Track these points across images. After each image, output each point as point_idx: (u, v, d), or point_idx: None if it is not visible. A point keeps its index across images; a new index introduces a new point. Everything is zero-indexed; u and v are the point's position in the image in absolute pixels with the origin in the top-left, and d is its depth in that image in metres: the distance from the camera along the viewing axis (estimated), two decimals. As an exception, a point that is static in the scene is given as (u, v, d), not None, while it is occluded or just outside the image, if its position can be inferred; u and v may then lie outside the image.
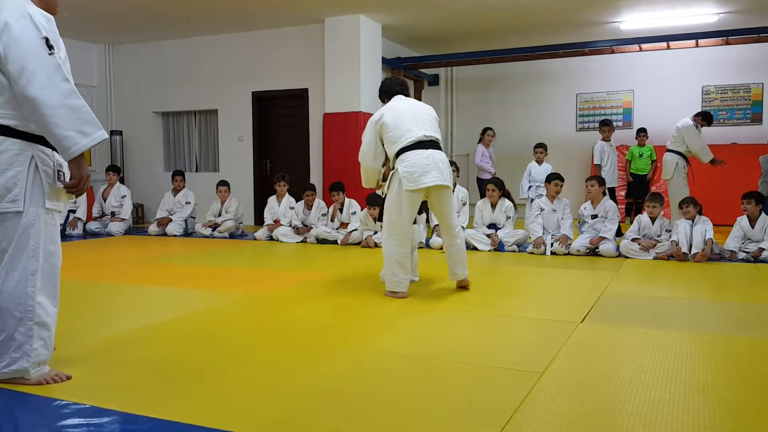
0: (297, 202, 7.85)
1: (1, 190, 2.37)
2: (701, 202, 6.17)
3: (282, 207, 7.90)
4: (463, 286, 4.49)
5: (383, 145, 4.31)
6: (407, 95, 4.53)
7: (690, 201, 6.07)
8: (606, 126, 8.07)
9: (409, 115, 4.27)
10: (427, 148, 4.16)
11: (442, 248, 6.67)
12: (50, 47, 2.35)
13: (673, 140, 7.34)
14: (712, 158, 7.24)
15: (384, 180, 4.46)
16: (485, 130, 8.70)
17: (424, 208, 6.89)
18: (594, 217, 6.45)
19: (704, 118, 7.46)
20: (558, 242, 6.33)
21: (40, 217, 2.45)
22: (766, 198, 7.06)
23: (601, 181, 6.63)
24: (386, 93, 4.54)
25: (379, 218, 6.69)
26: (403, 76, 10.25)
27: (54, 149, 2.44)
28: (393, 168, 4.25)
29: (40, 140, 2.43)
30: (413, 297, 4.28)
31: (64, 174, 2.49)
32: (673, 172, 7.21)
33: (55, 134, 2.33)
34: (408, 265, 4.28)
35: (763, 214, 5.99)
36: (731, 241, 6.00)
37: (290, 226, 7.73)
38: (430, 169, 4.09)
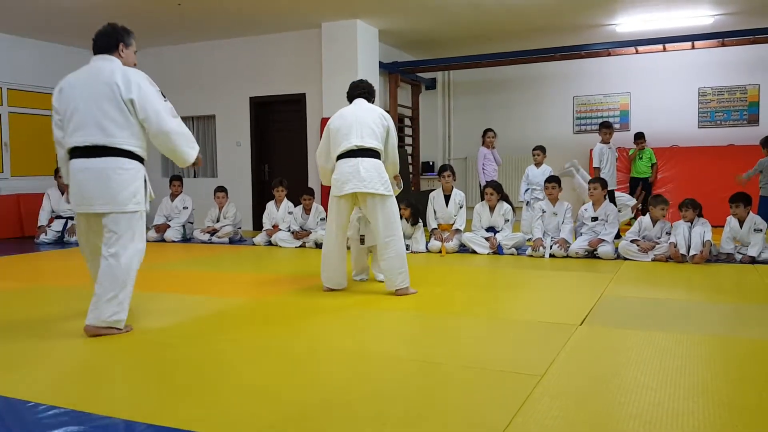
0: (295, 206, 7.84)
1: (129, 195, 3.41)
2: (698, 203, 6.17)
3: (281, 212, 7.90)
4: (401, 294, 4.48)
5: None
6: (369, 98, 4.67)
7: (689, 203, 6.07)
8: (606, 128, 8.07)
9: (350, 123, 4.44)
10: (355, 157, 4.36)
11: (440, 251, 6.70)
12: (164, 96, 3.58)
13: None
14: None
15: None
16: (486, 131, 8.69)
17: (419, 215, 6.93)
18: (594, 219, 6.45)
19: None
20: (557, 245, 6.34)
21: (144, 213, 3.52)
22: (762, 199, 7.07)
23: (604, 184, 6.64)
24: (348, 96, 4.74)
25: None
26: (400, 80, 10.29)
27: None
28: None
29: (142, 162, 3.52)
30: (411, 301, 4.27)
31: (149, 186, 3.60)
32: None
33: (178, 151, 3.57)
34: (332, 263, 4.55)
35: (750, 214, 6.00)
36: (725, 242, 6.01)
37: (289, 231, 7.73)
38: (352, 177, 4.32)
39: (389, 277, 4.41)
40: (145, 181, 3.53)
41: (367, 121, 4.45)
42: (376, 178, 4.33)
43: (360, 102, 4.63)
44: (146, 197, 3.53)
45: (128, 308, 3.45)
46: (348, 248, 4.73)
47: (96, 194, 3.37)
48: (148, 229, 8.84)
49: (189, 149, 3.60)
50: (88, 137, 3.39)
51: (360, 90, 4.68)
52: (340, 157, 4.41)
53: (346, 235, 4.67)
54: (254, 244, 7.85)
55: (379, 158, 4.44)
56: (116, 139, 3.39)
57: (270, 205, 8.02)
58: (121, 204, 3.38)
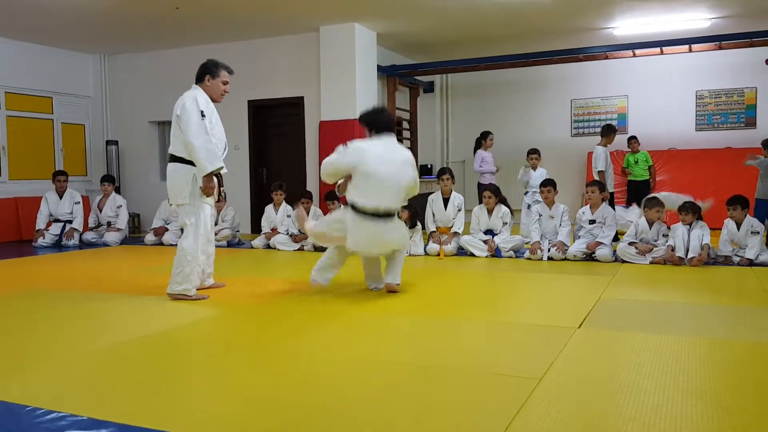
0: (294, 210, 7.84)
1: (178, 191, 4.38)
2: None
3: (279, 215, 7.90)
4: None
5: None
6: (394, 134, 4.53)
7: (689, 207, 6.07)
8: (613, 132, 8.08)
9: (390, 180, 4.27)
10: (380, 219, 4.29)
11: (439, 254, 6.70)
12: (203, 116, 4.31)
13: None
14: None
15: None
16: (486, 134, 8.70)
17: (418, 218, 6.93)
18: (592, 222, 6.46)
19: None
20: (554, 247, 6.34)
21: (199, 206, 4.42)
22: (758, 202, 7.07)
23: (602, 187, 6.65)
24: (374, 126, 4.45)
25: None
26: (398, 84, 10.31)
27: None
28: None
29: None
30: (409, 304, 4.27)
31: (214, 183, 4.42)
32: None
33: (197, 162, 4.31)
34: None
35: (748, 216, 6.01)
36: (723, 245, 6.02)
37: (287, 234, 7.73)
38: (375, 243, 4.39)
39: (391, 275, 4.57)
40: (195, 180, 4.35)
41: (402, 184, 4.35)
42: (398, 236, 4.47)
43: (395, 147, 4.46)
44: (197, 193, 4.36)
45: (200, 277, 4.56)
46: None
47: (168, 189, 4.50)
48: (146, 232, 8.95)
49: (207, 163, 4.29)
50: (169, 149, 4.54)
51: (389, 124, 4.47)
52: (364, 211, 4.26)
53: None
54: (252, 248, 7.85)
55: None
56: (174, 147, 4.41)
57: (269, 209, 8.02)
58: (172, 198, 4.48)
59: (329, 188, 7.88)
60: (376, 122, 4.45)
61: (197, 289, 4.50)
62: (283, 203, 7.93)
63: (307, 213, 7.74)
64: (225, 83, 4.58)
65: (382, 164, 4.27)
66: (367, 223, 4.28)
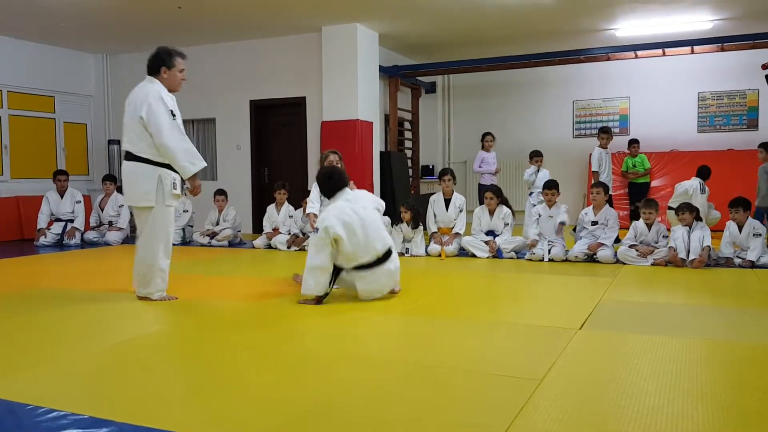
0: (295, 210, 7.84)
1: (142, 193, 4.16)
2: (698, 208, 6.18)
3: (281, 215, 7.90)
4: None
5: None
6: (347, 187, 4.45)
7: (686, 207, 6.07)
8: (605, 133, 8.10)
9: (365, 232, 4.16)
10: (384, 261, 4.25)
11: (440, 255, 6.70)
12: (173, 116, 4.13)
13: (678, 200, 7.38)
14: (717, 217, 7.58)
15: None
16: (485, 135, 8.72)
17: (419, 219, 6.91)
18: (594, 223, 6.43)
19: (706, 174, 7.76)
20: (554, 247, 6.32)
21: (163, 210, 4.22)
22: (756, 209, 7.06)
23: (606, 189, 6.65)
24: (327, 192, 4.41)
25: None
26: (400, 84, 10.32)
27: (174, 171, 4.18)
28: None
29: (164, 165, 4.15)
30: (410, 304, 4.27)
31: (177, 185, 4.22)
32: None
33: (177, 165, 4.13)
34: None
35: (749, 218, 6.00)
36: (724, 247, 6.01)
37: (289, 234, 7.73)
38: (388, 284, 4.33)
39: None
40: (161, 182, 4.17)
41: (378, 223, 4.33)
42: (398, 269, 4.40)
43: (353, 195, 4.37)
44: (164, 196, 4.18)
45: (165, 281, 4.42)
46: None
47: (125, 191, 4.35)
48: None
49: (187, 163, 4.13)
50: (123, 145, 4.31)
51: (339, 180, 4.39)
52: (370, 264, 4.20)
53: None
54: (254, 248, 7.85)
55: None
56: (135, 146, 4.16)
57: (270, 208, 8.02)
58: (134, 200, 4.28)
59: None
60: (327, 189, 4.42)
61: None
62: (286, 203, 7.93)
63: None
64: (181, 71, 4.32)
65: (356, 218, 4.17)
66: (380, 269, 4.23)
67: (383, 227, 4.42)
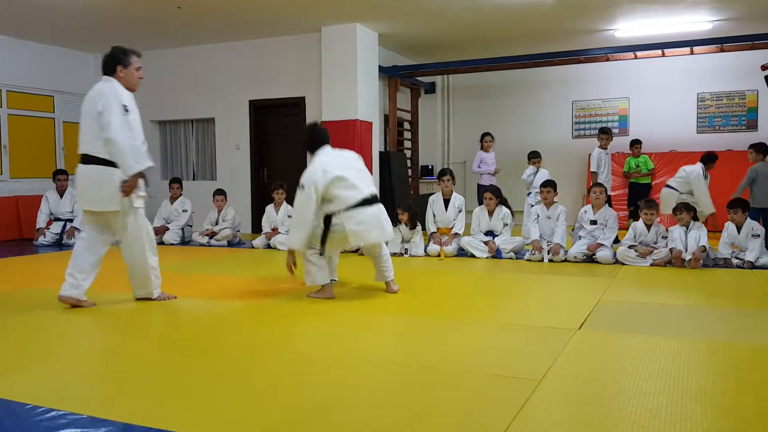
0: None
1: (107, 197, 4.03)
2: (697, 209, 6.18)
3: (280, 215, 7.90)
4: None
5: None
6: (329, 143, 4.57)
7: (683, 207, 6.08)
8: (604, 134, 8.10)
9: (352, 174, 4.35)
10: (372, 204, 4.36)
11: (439, 255, 6.70)
12: (126, 111, 3.98)
13: (679, 182, 7.53)
14: (713, 212, 7.38)
15: None
16: (484, 135, 8.72)
17: (418, 219, 6.91)
18: (593, 223, 6.43)
19: (710, 160, 7.67)
20: (551, 251, 6.32)
21: (135, 213, 4.13)
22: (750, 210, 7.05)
23: (606, 190, 6.67)
24: (312, 144, 4.53)
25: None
26: (400, 84, 10.32)
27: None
28: (326, 224, 4.34)
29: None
30: (409, 304, 4.27)
31: (141, 187, 4.08)
32: (670, 209, 7.39)
33: (121, 161, 3.95)
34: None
35: (748, 219, 6.01)
36: (722, 248, 6.02)
37: (288, 233, 7.72)
38: (375, 227, 4.35)
39: (386, 273, 4.61)
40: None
41: (362, 169, 4.48)
42: (389, 222, 4.49)
43: (332, 149, 4.52)
44: (130, 198, 4.06)
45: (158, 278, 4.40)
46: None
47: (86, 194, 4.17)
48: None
49: (132, 162, 3.97)
50: (80, 148, 4.12)
51: (322, 137, 4.55)
52: (356, 204, 4.27)
53: None
54: (253, 247, 7.85)
55: None
56: (93, 148, 4.03)
57: (269, 209, 8.02)
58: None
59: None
60: (311, 141, 4.56)
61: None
62: (284, 203, 7.93)
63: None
64: (138, 69, 4.21)
65: (341, 165, 4.38)
66: (367, 209, 4.31)
67: (368, 176, 4.51)
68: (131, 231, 4.17)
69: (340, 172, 4.31)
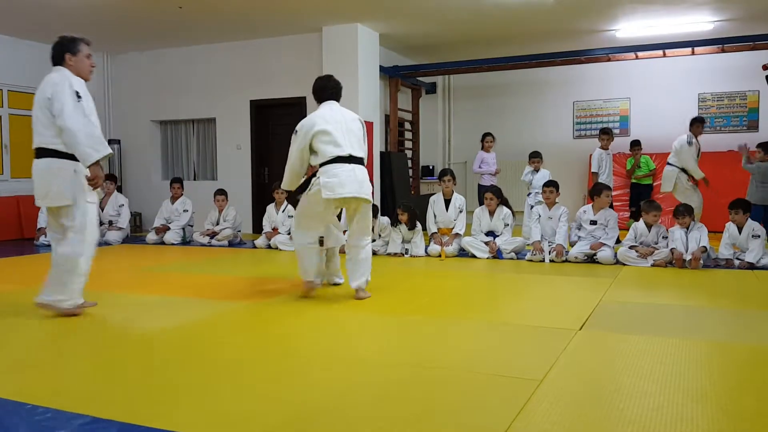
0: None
1: (58, 191, 3.78)
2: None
3: (280, 215, 7.90)
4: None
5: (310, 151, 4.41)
6: (338, 99, 4.62)
7: (683, 209, 6.07)
8: (605, 134, 8.10)
9: (340, 131, 4.37)
10: (349, 163, 4.34)
11: (440, 255, 6.69)
12: (79, 97, 3.75)
13: (673, 154, 7.58)
14: (702, 176, 7.43)
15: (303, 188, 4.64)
16: (484, 135, 8.72)
17: (417, 219, 6.89)
18: (593, 222, 6.43)
19: (697, 123, 7.62)
20: (554, 252, 6.32)
21: (84, 207, 3.83)
22: (756, 205, 7.06)
23: (609, 191, 6.66)
24: (318, 94, 4.62)
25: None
26: (401, 84, 10.31)
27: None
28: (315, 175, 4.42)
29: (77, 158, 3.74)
30: (410, 305, 4.27)
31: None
32: (674, 185, 7.48)
33: (78, 150, 3.69)
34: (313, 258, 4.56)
35: (749, 220, 6.00)
36: (723, 248, 6.01)
37: (288, 234, 7.72)
38: (350, 181, 4.28)
39: (356, 277, 4.45)
40: (76, 175, 3.80)
41: (354, 131, 4.47)
42: (367, 185, 4.44)
43: (338, 106, 4.57)
44: (83, 191, 3.82)
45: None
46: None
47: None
48: (148, 231, 8.95)
49: (91, 150, 3.70)
50: (34, 142, 3.87)
51: (332, 90, 4.59)
52: (327, 163, 4.31)
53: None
54: (254, 247, 7.85)
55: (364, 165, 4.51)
56: (44, 139, 3.80)
57: (270, 208, 8.02)
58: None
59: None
60: (319, 90, 4.62)
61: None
62: (285, 202, 7.93)
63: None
64: (88, 57, 4.01)
65: (332, 121, 4.41)
66: (343, 166, 4.30)
67: (359, 139, 4.50)
68: (74, 226, 3.82)
69: (328, 127, 4.34)
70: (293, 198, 4.52)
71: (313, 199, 4.39)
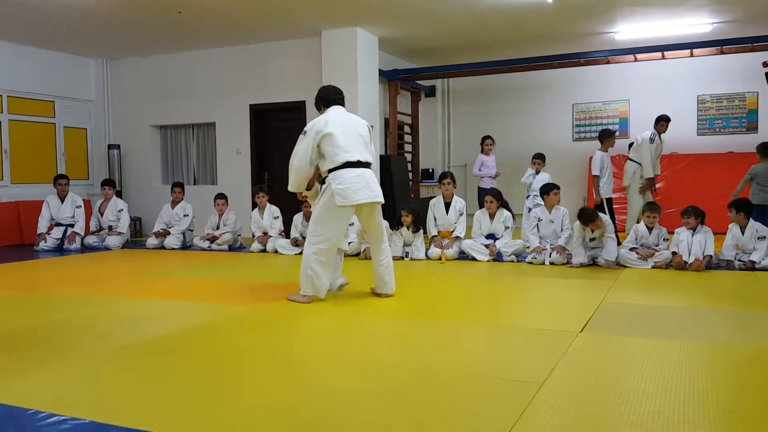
0: (296, 214, 7.83)
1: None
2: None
3: (266, 219, 7.91)
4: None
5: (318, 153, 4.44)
6: (343, 105, 4.68)
7: (691, 211, 6.04)
8: (608, 137, 8.09)
9: (350, 136, 4.42)
10: (359, 167, 4.38)
11: (441, 258, 6.69)
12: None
13: (634, 150, 7.84)
14: (650, 177, 7.61)
15: (309, 189, 4.65)
16: (484, 138, 8.73)
17: (420, 223, 6.89)
18: (592, 240, 6.25)
19: (662, 122, 7.81)
20: (555, 252, 6.31)
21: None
22: (758, 206, 7.05)
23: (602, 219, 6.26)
24: (324, 101, 4.66)
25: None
26: (400, 88, 10.31)
27: None
28: (323, 180, 4.46)
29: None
30: (411, 308, 4.27)
31: None
32: (630, 180, 7.74)
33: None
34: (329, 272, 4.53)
35: (751, 221, 5.99)
36: (726, 249, 6.00)
37: (281, 235, 7.74)
38: (362, 187, 4.34)
39: (387, 281, 4.53)
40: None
41: (363, 136, 4.52)
42: (377, 187, 4.49)
43: (346, 112, 4.63)
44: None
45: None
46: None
47: None
48: (147, 236, 8.95)
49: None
50: None
51: (337, 95, 4.67)
52: (336, 168, 4.33)
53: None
54: (255, 251, 7.85)
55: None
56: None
57: (254, 214, 8.06)
58: None
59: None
60: (321, 98, 4.67)
61: None
62: (268, 205, 7.96)
63: (310, 217, 7.75)
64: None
65: (342, 125, 4.45)
66: (353, 171, 4.33)
67: (366, 144, 4.53)
68: None
69: (337, 130, 4.37)
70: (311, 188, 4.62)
71: (327, 205, 4.38)
